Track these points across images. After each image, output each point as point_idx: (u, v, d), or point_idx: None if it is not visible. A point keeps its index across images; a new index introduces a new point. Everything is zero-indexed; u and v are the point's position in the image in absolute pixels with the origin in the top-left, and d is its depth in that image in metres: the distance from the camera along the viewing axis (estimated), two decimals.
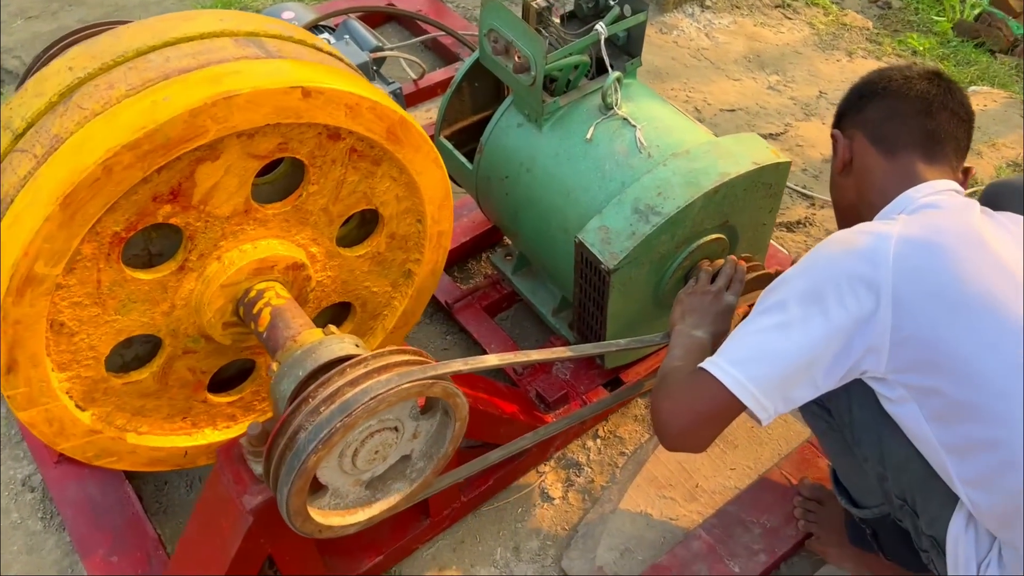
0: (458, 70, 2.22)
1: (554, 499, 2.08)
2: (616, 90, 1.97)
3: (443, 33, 3.18)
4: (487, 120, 2.35)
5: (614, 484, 2.08)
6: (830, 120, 3.32)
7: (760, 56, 3.50)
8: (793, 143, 3.07)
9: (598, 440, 2.19)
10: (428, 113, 3.10)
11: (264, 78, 1.44)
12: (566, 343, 2.23)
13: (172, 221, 1.49)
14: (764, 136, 3.10)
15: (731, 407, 1.32)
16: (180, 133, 1.37)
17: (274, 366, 1.50)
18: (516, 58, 1.96)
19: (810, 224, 2.74)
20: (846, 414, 1.45)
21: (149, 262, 1.61)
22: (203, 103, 1.36)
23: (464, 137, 2.35)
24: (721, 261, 1.91)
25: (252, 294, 1.61)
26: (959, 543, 1.36)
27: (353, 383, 1.34)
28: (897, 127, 1.50)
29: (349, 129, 1.57)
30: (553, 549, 1.99)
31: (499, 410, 1.90)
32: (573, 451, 2.16)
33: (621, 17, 2.00)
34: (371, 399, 1.32)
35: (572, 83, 2.04)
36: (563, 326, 2.24)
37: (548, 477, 2.12)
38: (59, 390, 1.52)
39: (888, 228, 1.33)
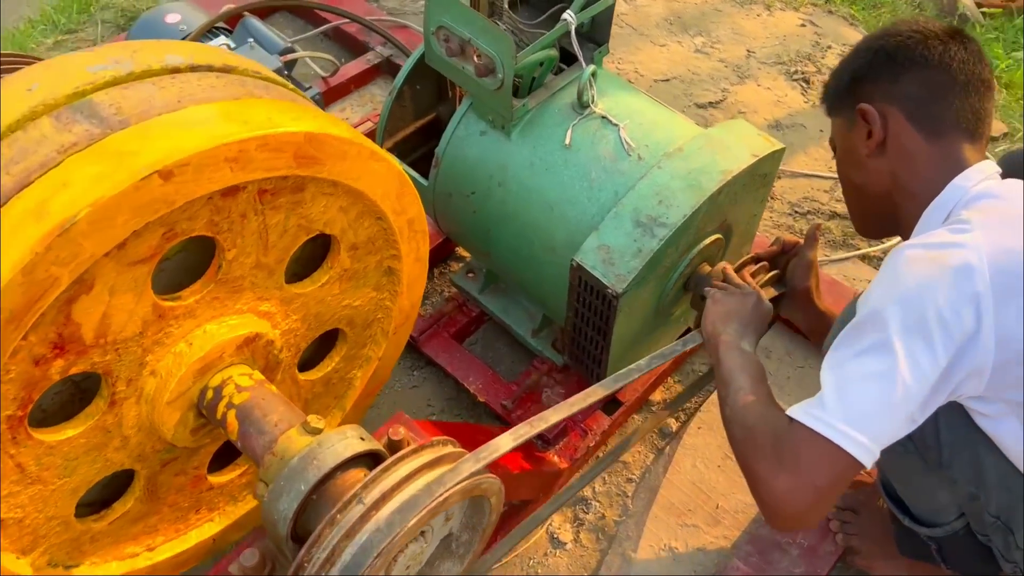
0: (399, 74, 1.93)
1: (565, 544, 1.88)
2: (591, 85, 1.74)
3: (347, 21, 2.85)
4: (433, 124, 2.10)
5: (628, 517, 1.90)
6: (765, 81, 3.25)
7: (681, 17, 3.33)
8: (734, 110, 2.92)
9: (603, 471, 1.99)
10: (342, 113, 2.78)
11: (104, 179, 1.08)
12: (552, 366, 2.02)
13: (73, 372, 1.19)
14: (703, 105, 2.95)
15: (853, 471, 1.16)
16: (22, 300, 1.05)
17: (260, 487, 1.23)
18: (476, 59, 1.70)
19: (772, 199, 2.61)
20: (932, 438, 1.31)
21: (77, 391, 1.29)
22: (34, 254, 1.03)
23: (407, 146, 2.08)
24: (725, 264, 1.74)
25: (209, 395, 1.32)
26: None
27: (349, 534, 1.11)
28: (943, 106, 1.32)
29: (244, 181, 1.25)
30: None
31: (505, 468, 1.68)
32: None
33: (588, 2, 1.76)
34: (376, 558, 1.09)
35: (537, 81, 1.79)
36: (546, 347, 2.02)
37: (555, 519, 1.91)
38: (36, 568, 1.25)
39: (971, 237, 1.17)
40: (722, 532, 1.86)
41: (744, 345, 1.46)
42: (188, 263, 1.34)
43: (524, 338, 2.04)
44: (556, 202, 1.73)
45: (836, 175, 2.69)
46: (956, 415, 1.27)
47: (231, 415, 1.30)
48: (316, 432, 1.27)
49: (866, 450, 1.14)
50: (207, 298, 1.32)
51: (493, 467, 1.66)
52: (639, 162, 1.71)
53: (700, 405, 2.06)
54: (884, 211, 1.42)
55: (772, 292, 1.70)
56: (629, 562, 1.81)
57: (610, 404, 1.99)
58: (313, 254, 1.54)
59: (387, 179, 1.50)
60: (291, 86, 1.52)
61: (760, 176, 1.79)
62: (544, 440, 1.89)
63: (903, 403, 1.15)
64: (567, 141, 1.74)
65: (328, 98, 2.70)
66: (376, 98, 2.85)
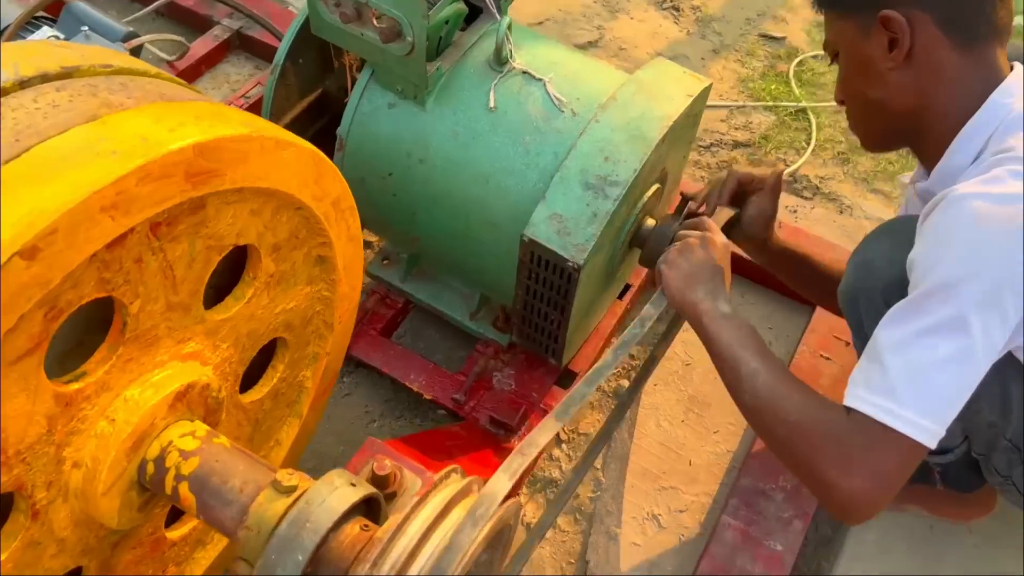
0: (279, 49, 1.69)
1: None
2: (509, 39, 1.57)
3: None
4: (320, 100, 1.87)
5: (604, 491, 1.81)
6: (636, 14, 3.16)
7: None
8: (616, 47, 2.82)
9: (564, 445, 1.88)
10: None
11: None
12: (497, 348, 1.87)
13: None
14: (582, 45, 2.83)
15: (922, 456, 1.10)
16: None
17: (241, 566, 1.03)
18: (376, 22, 1.49)
19: None
20: None
21: None
22: None
23: (295, 128, 1.84)
24: (668, 215, 1.64)
25: (151, 469, 1.10)
26: None
27: None
28: (976, 10, 1.19)
29: (131, 226, 1.01)
30: None
31: (477, 476, 1.53)
32: (543, 467, 1.85)
33: None
34: None
35: (445, 40, 1.61)
36: (487, 328, 1.87)
37: (527, 509, 1.79)
38: None
39: None
40: (702, 488, 1.80)
41: (723, 307, 1.34)
42: (88, 314, 1.08)
43: (461, 322, 1.88)
44: (490, 173, 1.57)
45: (728, 104, 2.67)
46: None
47: (183, 488, 1.07)
48: (291, 491, 1.07)
49: (936, 436, 1.08)
50: (119, 363, 1.08)
51: (469, 474, 1.51)
52: (574, 118, 1.56)
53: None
54: (904, 127, 1.28)
55: (725, 215, 1.58)
56: (615, 539, 1.72)
57: (564, 377, 1.87)
58: (233, 260, 1.30)
59: (300, 165, 1.26)
60: (154, 70, 1.26)
61: (692, 116, 1.70)
62: (507, 429, 1.76)
63: (975, 381, 1.08)
64: (491, 104, 1.57)
65: None
66: (232, 78, 2.55)
